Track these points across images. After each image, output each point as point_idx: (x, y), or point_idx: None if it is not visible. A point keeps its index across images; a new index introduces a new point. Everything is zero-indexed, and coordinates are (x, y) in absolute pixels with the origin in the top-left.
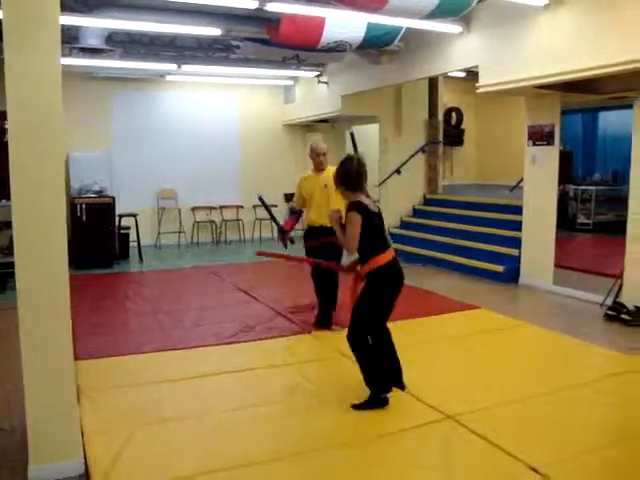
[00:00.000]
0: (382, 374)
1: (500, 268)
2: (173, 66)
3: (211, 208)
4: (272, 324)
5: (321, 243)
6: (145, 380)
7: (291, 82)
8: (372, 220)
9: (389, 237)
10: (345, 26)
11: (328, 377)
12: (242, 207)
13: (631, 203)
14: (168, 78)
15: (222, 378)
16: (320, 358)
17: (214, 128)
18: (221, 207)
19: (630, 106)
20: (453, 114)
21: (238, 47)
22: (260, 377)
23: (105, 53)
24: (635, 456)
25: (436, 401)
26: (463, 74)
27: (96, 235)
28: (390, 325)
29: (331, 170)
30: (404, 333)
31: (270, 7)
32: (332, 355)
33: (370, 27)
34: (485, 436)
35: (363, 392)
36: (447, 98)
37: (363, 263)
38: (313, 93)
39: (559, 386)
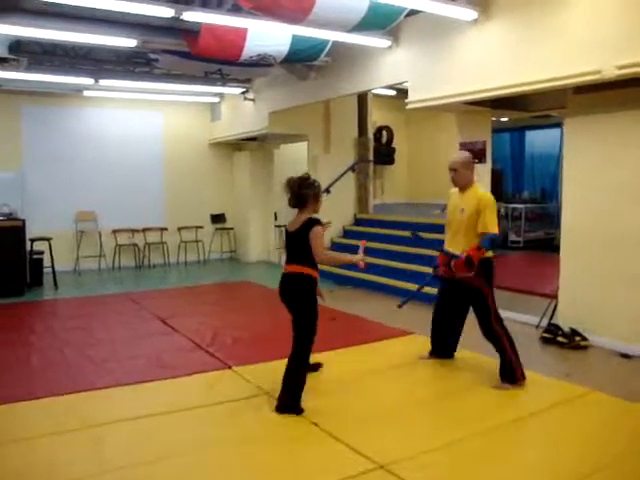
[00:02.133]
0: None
1: (434, 290)
2: (90, 80)
3: (134, 231)
4: (190, 359)
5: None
6: (34, 433)
7: (217, 99)
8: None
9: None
10: (268, 39)
11: (244, 421)
12: (166, 229)
13: (564, 220)
14: (86, 93)
15: (123, 426)
16: (239, 397)
17: (137, 147)
18: (144, 229)
19: (555, 125)
20: (384, 132)
21: (156, 60)
22: (170, 423)
23: (8, 63)
24: None
25: (367, 447)
26: (393, 92)
27: (3, 261)
28: (322, 356)
29: (480, 192)
30: (335, 365)
31: (187, 16)
32: (252, 393)
33: (295, 40)
34: None
35: (282, 436)
36: (378, 116)
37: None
38: (240, 110)
39: (496, 422)
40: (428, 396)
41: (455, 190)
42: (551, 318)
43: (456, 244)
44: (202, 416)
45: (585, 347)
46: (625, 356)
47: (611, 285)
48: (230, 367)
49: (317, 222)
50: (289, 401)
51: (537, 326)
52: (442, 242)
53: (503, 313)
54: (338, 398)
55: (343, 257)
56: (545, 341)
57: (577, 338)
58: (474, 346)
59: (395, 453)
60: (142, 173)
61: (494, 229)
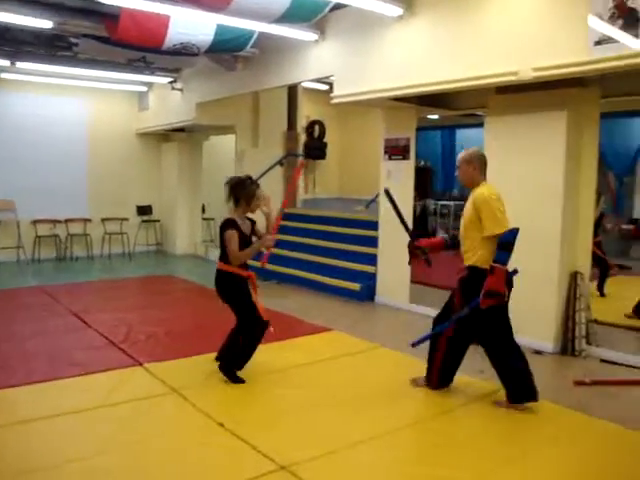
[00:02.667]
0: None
1: (357, 286)
2: (6, 62)
3: (55, 221)
4: (100, 356)
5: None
6: None
7: (144, 88)
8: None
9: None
10: (191, 27)
11: (148, 421)
12: (90, 221)
13: None
14: (3, 76)
15: (22, 429)
16: (147, 396)
17: (60, 134)
18: (67, 220)
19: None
20: (316, 127)
21: (76, 44)
22: (71, 424)
23: None
24: None
25: (268, 447)
26: (326, 86)
27: None
28: None
29: (478, 191)
30: (248, 363)
31: None
32: (161, 391)
33: (219, 30)
34: None
35: (186, 437)
36: (310, 111)
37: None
38: (167, 100)
39: (406, 422)
40: (342, 396)
41: None
42: None
43: (463, 253)
44: (105, 416)
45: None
46: (538, 352)
47: (524, 283)
48: (141, 364)
49: (231, 224)
50: (225, 365)
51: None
52: (368, 239)
53: (424, 309)
54: (247, 398)
55: (252, 248)
56: None
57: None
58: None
59: (298, 454)
60: (65, 162)
61: (497, 229)
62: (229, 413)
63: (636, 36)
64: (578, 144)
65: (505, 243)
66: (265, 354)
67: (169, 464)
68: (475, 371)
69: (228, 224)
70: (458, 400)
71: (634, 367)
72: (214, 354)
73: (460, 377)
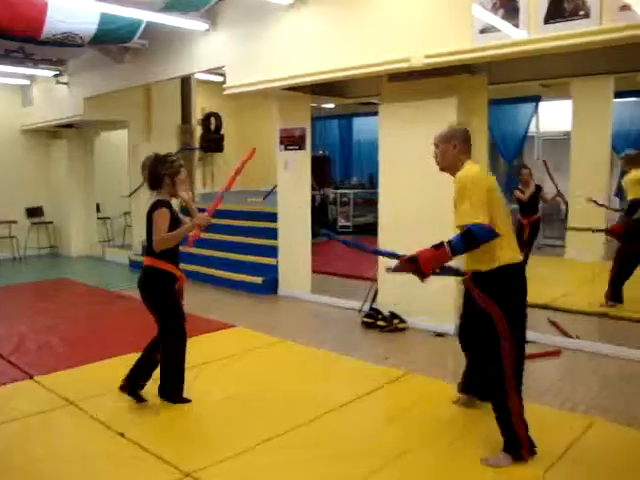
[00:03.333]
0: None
1: (259, 279)
2: None
3: None
4: None
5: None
6: None
7: (27, 82)
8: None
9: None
10: (73, 15)
11: (40, 438)
12: None
13: (380, 205)
14: None
15: None
16: (40, 411)
17: None
18: None
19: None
20: (212, 119)
21: None
22: None
23: None
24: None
25: (171, 454)
26: (221, 78)
27: None
28: (127, 358)
29: (463, 172)
30: None
31: None
32: (56, 405)
33: (104, 19)
34: None
35: (84, 450)
36: (206, 103)
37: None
38: (53, 95)
39: (315, 414)
40: (243, 395)
41: None
42: (372, 302)
43: None
44: None
45: (403, 329)
46: (439, 335)
47: None
48: (32, 377)
49: (163, 204)
50: (166, 390)
51: (359, 310)
52: (268, 230)
53: (327, 299)
54: (148, 404)
55: (183, 228)
56: (366, 325)
57: (395, 321)
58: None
59: (202, 460)
60: None
61: (467, 219)
62: (130, 422)
63: (516, 25)
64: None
65: (470, 234)
66: None
67: None
68: (379, 357)
69: (159, 203)
70: (361, 390)
71: (529, 342)
72: (112, 360)
73: (364, 363)
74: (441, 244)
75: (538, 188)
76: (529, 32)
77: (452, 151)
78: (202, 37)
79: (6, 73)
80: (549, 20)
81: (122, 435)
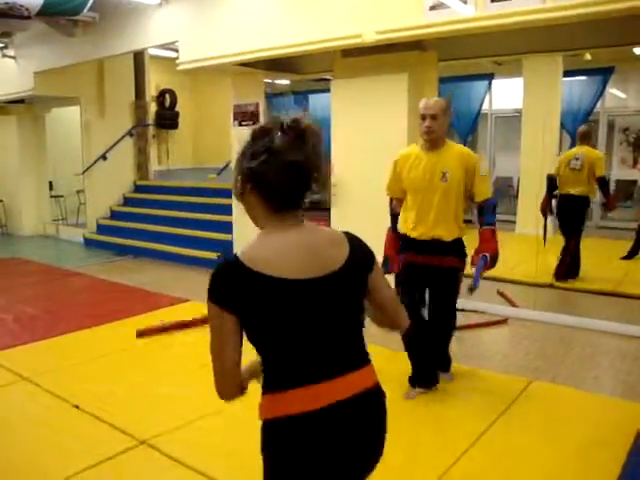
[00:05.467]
0: None
1: (213, 255)
2: None
3: None
4: None
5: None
6: None
7: None
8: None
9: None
10: None
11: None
12: None
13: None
14: None
15: None
16: None
17: None
18: None
19: None
20: (167, 96)
21: None
22: None
23: None
24: None
25: (127, 424)
26: (175, 54)
27: None
28: (79, 335)
29: (460, 149)
30: (100, 340)
31: None
32: (10, 381)
33: None
34: (178, 458)
35: (40, 423)
36: (161, 79)
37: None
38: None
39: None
40: (192, 366)
41: (410, 150)
42: None
43: (433, 223)
44: None
45: None
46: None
47: (377, 239)
48: None
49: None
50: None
51: None
52: (222, 207)
53: None
54: (103, 377)
55: None
56: None
57: None
58: None
59: (157, 427)
60: None
61: (490, 193)
62: (85, 394)
63: (465, 2)
64: (415, 104)
65: (495, 207)
66: (120, 330)
67: (24, 455)
68: None
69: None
70: None
71: (478, 311)
72: (65, 336)
73: None
74: (489, 228)
75: None
76: (476, 10)
77: (446, 122)
78: (155, 11)
79: None
80: None
81: (77, 407)
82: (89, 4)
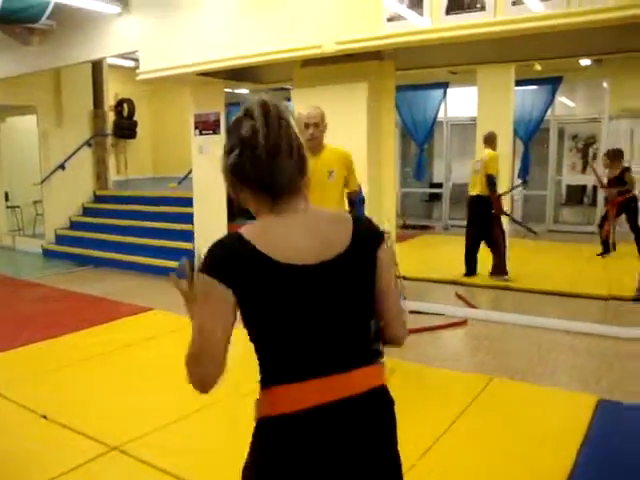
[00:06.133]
0: None
1: (175, 264)
2: None
3: None
4: None
5: None
6: None
7: None
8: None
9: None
10: None
11: None
12: None
13: None
14: None
15: None
16: None
17: None
18: None
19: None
20: (125, 105)
21: None
22: None
23: None
24: None
25: (97, 431)
26: (133, 63)
27: None
28: (42, 345)
29: (336, 149)
30: (65, 350)
31: None
32: None
33: None
34: (151, 462)
35: (8, 434)
36: (119, 89)
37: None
38: None
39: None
40: (164, 373)
41: None
42: None
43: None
44: None
45: None
46: None
47: None
48: None
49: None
50: None
51: None
52: (183, 216)
53: None
54: (70, 385)
55: None
56: None
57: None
58: None
59: (128, 434)
60: None
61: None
62: (52, 403)
63: (421, 15)
64: (378, 113)
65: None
66: (84, 339)
67: None
68: None
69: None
70: None
71: (437, 314)
72: (24, 348)
73: None
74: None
75: (626, 169)
76: (432, 22)
77: (325, 129)
78: (114, 20)
79: None
80: (450, 11)
81: (45, 417)
82: (47, 12)
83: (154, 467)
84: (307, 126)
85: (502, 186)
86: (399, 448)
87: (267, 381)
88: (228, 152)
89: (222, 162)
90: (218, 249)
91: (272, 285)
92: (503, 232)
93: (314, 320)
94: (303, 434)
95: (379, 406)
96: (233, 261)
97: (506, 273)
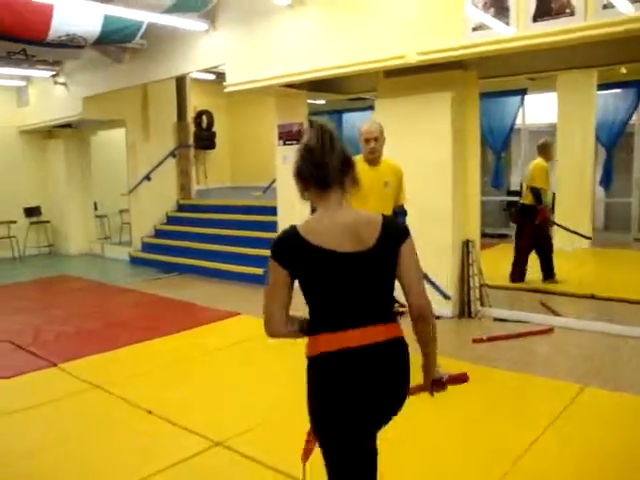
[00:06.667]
0: None
1: (260, 270)
2: None
3: None
4: (10, 360)
5: None
6: None
7: (23, 83)
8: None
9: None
10: (78, 18)
11: (76, 418)
12: None
13: None
14: None
15: None
16: (68, 394)
17: None
18: None
19: (370, 107)
20: (204, 117)
21: None
22: None
23: None
24: None
25: (200, 426)
26: (212, 76)
27: None
28: (142, 346)
29: (389, 161)
30: (161, 352)
31: None
32: (83, 388)
33: (107, 21)
34: (255, 458)
35: (118, 427)
36: (197, 101)
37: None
38: (50, 95)
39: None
40: (259, 372)
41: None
42: None
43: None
44: (27, 419)
45: (403, 313)
46: (437, 317)
47: (421, 254)
48: (55, 364)
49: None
50: None
51: None
52: (267, 224)
53: None
54: (171, 384)
55: None
56: None
57: (396, 305)
58: None
59: (231, 429)
60: None
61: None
62: (156, 400)
63: (507, 24)
64: (462, 122)
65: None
66: (179, 341)
67: (104, 457)
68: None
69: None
70: None
71: (522, 322)
72: (127, 348)
73: None
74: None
75: None
76: (518, 29)
77: (384, 142)
78: (201, 36)
79: (3, 75)
80: (537, 18)
81: (150, 412)
82: (141, 32)
83: (259, 462)
84: (367, 141)
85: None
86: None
87: (315, 330)
88: (295, 162)
89: (293, 170)
90: (277, 240)
91: (317, 264)
92: (548, 241)
93: (348, 290)
94: (340, 366)
95: (396, 351)
96: (287, 249)
97: (552, 277)
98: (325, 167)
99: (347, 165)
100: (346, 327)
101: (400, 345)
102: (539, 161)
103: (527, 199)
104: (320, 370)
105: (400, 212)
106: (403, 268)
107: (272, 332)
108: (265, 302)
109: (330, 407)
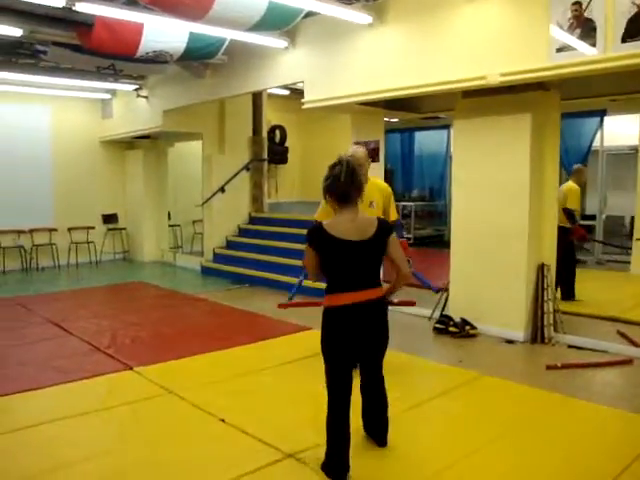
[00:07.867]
0: (334, 450)
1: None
2: None
3: (19, 232)
4: (88, 362)
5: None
6: None
7: (108, 95)
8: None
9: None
10: (165, 35)
11: (150, 421)
12: (56, 230)
13: (453, 217)
14: None
15: (21, 436)
16: (144, 397)
17: (22, 143)
18: (31, 230)
19: (443, 126)
20: (277, 132)
21: (45, 52)
22: (72, 428)
23: None
24: None
25: (272, 437)
26: (287, 92)
27: None
28: (215, 355)
29: (376, 182)
30: (239, 361)
31: (80, 7)
32: (158, 393)
33: (192, 37)
34: None
35: (190, 434)
36: (271, 116)
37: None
38: (132, 108)
39: (396, 411)
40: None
41: None
42: (443, 310)
43: None
44: (106, 418)
45: (475, 335)
46: (509, 342)
47: (495, 276)
48: (131, 368)
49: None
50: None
51: (430, 318)
52: None
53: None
54: (246, 394)
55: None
56: (438, 331)
57: (467, 327)
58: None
59: (303, 442)
60: (29, 171)
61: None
62: (229, 409)
63: (593, 45)
64: (541, 144)
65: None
66: (251, 352)
67: (177, 460)
68: (453, 360)
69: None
70: (438, 388)
71: (598, 350)
72: (202, 356)
73: (439, 365)
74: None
75: None
76: (605, 50)
77: (369, 167)
78: (281, 53)
79: (90, 88)
80: (627, 39)
81: (223, 421)
82: (223, 48)
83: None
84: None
85: None
86: None
87: (330, 291)
88: (325, 180)
89: (322, 186)
90: (309, 232)
91: (333, 248)
92: (573, 261)
93: (354, 265)
94: (345, 314)
95: (381, 304)
96: (315, 238)
97: (572, 297)
98: (347, 194)
99: (359, 190)
100: (353, 289)
101: (383, 302)
102: (571, 184)
103: (562, 222)
104: (337, 315)
105: (396, 228)
106: (392, 250)
107: (311, 278)
108: (305, 265)
109: (340, 336)
